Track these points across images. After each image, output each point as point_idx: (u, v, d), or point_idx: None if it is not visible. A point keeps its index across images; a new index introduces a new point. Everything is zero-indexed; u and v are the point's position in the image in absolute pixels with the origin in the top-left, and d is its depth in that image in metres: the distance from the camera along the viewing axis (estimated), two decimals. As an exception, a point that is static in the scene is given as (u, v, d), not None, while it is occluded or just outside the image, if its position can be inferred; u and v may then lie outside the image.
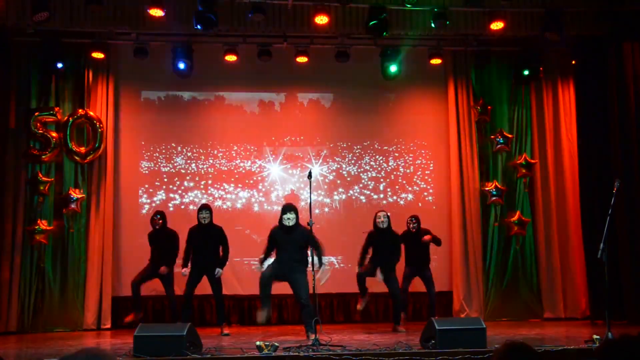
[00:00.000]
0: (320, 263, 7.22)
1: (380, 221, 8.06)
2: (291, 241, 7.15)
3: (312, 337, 6.25)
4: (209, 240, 7.91)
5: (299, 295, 7.11)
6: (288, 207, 7.34)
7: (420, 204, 9.89)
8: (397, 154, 9.99)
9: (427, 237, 8.52)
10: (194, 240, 7.93)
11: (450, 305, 9.51)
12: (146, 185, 9.58)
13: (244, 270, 9.39)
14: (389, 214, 8.22)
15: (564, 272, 9.52)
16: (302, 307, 7.13)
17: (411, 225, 8.59)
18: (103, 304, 8.91)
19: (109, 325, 8.88)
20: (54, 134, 9.02)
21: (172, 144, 9.67)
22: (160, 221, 8.28)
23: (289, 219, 7.18)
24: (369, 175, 9.95)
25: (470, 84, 9.86)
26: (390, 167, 9.96)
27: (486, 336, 5.95)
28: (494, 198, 9.67)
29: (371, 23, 8.14)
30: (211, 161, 9.71)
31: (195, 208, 9.36)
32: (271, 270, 7.22)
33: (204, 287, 8.00)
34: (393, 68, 9.41)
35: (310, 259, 6.96)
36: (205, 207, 8.05)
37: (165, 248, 8.20)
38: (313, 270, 6.59)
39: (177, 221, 8.90)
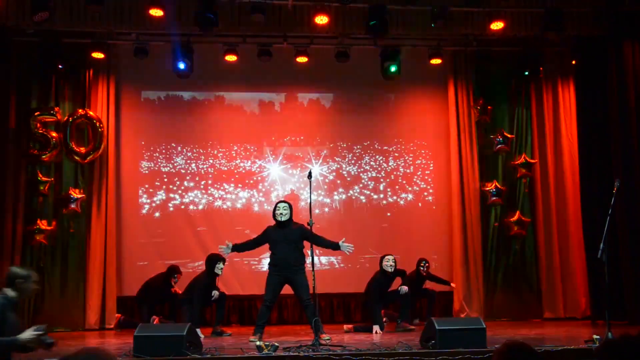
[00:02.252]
0: (336, 245, 7.04)
1: (388, 265, 8.07)
2: (286, 239, 7.01)
3: (323, 336, 6.26)
4: None
5: (300, 297, 7.06)
6: (281, 200, 7.31)
7: (420, 204, 9.89)
8: (397, 154, 9.99)
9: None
10: None
11: (450, 305, 9.51)
12: (146, 185, 9.58)
13: (244, 270, 9.40)
14: (394, 257, 8.21)
15: (564, 272, 9.52)
16: (305, 306, 7.09)
17: (424, 270, 8.66)
18: (108, 303, 8.93)
19: (114, 325, 8.90)
20: (54, 134, 9.02)
21: (172, 144, 9.67)
22: (176, 282, 8.51)
23: (282, 214, 7.03)
24: (369, 175, 9.95)
25: (470, 84, 9.85)
26: (390, 167, 9.96)
27: (486, 336, 5.95)
28: (494, 198, 9.67)
29: (371, 23, 8.14)
30: (211, 161, 9.71)
31: (195, 208, 9.41)
32: (273, 292, 7.08)
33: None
34: (393, 68, 9.41)
35: (309, 259, 6.93)
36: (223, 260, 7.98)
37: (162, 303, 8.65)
38: (313, 270, 6.58)
39: (177, 221, 8.91)
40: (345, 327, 8.16)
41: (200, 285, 7.82)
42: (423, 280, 8.75)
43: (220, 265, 7.84)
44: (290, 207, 7.16)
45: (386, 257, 8.13)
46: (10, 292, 4.35)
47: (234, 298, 9.24)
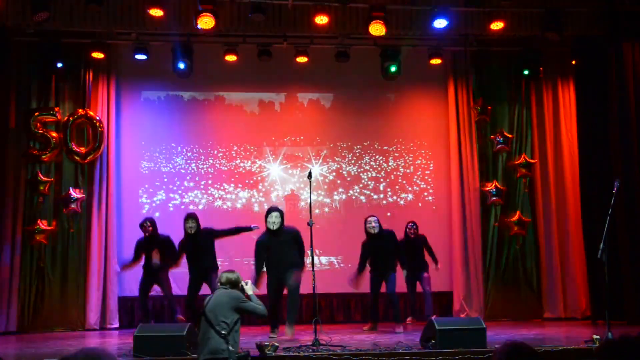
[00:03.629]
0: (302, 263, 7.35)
1: (370, 227, 8.01)
2: (279, 244, 7.23)
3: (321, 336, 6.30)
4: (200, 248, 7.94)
5: (287, 282, 7.21)
6: (272, 209, 7.40)
7: (420, 204, 9.89)
8: (397, 154, 9.99)
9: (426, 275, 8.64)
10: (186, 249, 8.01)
11: (450, 305, 9.51)
12: (146, 185, 9.58)
13: (244, 270, 9.36)
14: (377, 217, 8.16)
15: (564, 272, 9.51)
16: (289, 292, 7.22)
17: (411, 231, 8.65)
18: (109, 303, 8.94)
19: (116, 325, 8.91)
20: (54, 134, 9.02)
21: (172, 144, 9.68)
22: (150, 228, 8.28)
23: (274, 223, 7.22)
24: (369, 175, 9.95)
25: (470, 84, 9.85)
26: (390, 167, 9.96)
27: (486, 336, 5.95)
28: (494, 198, 9.66)
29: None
30: (211, 161, 9.71)
31: (195, 208, 9.40)
32: (274, 291, 7.21)
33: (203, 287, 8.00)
34: (393, 68, 9.41)
35: (309, 259, 6.92)
36: (191, 217, 7.98)
37: (162, 251, 8.25)
38: (313, 269, 6.58)
39: (177, 221, 8.87)
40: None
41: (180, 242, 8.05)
42: (415, 243, 8.62)
43: (188, 223, 7.87)
44: (282, 215, 7.33)
45: (368, 218, 8.11)
46: None
47: (234, 298, 9.24)
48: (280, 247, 7.23)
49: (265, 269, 7.36)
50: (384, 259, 8.04)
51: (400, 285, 8.34)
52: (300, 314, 9.04)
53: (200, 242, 7.91)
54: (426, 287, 8.57)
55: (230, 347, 5.01)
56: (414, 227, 8.68)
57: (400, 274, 8.25)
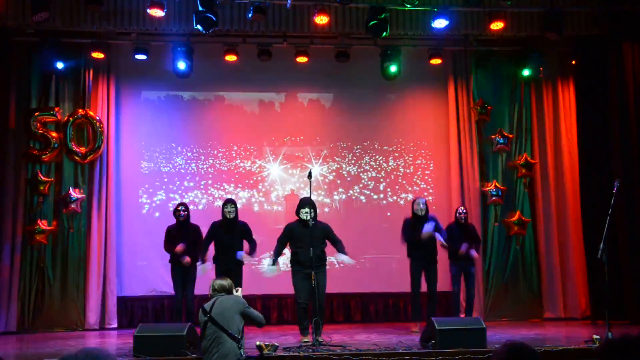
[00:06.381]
0: (342, 252, 7.07)
1: (419, 208, 7.90)
2: (310, 236, 6.79)
3: (320, 339, 6.25)
4: (233, 236, 7.61)
5: (320, 283, 6.79)
6: (305, 201, 7.02)
7: (420, 204, 9.87)
8: (397, 154, 9.99)
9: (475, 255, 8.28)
10: (217, 235, 7.66)
11: (450, 305, 9.49)
12: (146, 185, 9.58)
13: (244, 270, 9.37)
14: (426, 200, 8.05)
15: (564, 272, 9.51)
16: (318, 308, 6.69)
17: (462, 216, 8.32)
18: (108, 303, 8.94)
19: (115, 325, 8.91)
20: (54, 134, 9.02)
21: (172, 144, 9.67)
22: (185, 213, 7.82)
23: (307, 212, 6.89)
24: (369, 175, 9.94)
25: (470, 84, 9.85)
26: (390, 167, 9.96)
27: (486, 336, 5.96)
28: (494, 198, 9.66)
29: (371, 23, 8.15)
30: (211, 161, 9.71)
31: (195, 208, 9.40)
32: (305, 291, 6.82)
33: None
34: (393, 68, 9.40)
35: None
36: (231, 202, 7.78)
37: (191, 242, 7.74)
38: (313, 270, 6.57)
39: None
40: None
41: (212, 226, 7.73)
42: (465, 230, 8.26)
43: (227, 207, 7.66)
44: (315, 208, 7.03)
45: (417, 200, 8.04)
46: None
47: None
48: (311, 242, 6.73)
49: (291, 264, 7.06)
50: (425, 243, 7.83)
51: (399, 285, 8.31)
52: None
53: (235, 231, 7.63)
54: (472, 288, 8.31)
55: (242, 352, 4.99)
56: (465, 212, 8.42)
57: (442, 269, 8.06)
